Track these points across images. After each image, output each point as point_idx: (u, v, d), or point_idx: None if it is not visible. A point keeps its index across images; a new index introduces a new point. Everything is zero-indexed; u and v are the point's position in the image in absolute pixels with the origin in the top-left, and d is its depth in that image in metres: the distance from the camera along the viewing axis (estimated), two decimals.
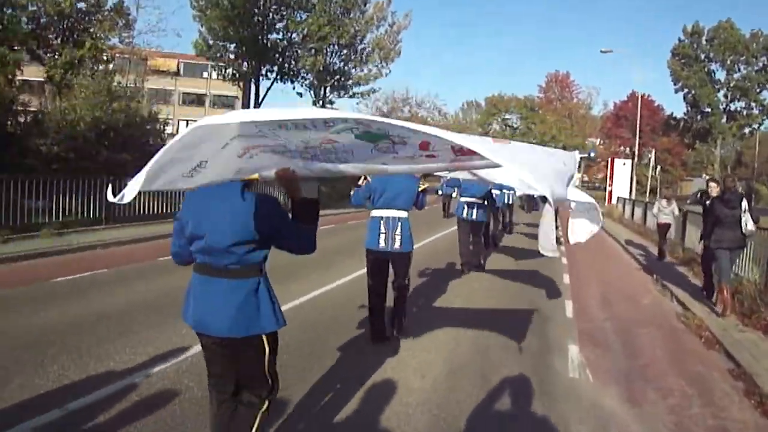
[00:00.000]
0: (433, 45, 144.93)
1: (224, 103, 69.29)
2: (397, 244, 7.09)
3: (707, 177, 68.13)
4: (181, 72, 71.40)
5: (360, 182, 7.22)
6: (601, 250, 19.04)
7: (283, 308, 3.76)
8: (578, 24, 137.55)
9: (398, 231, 7.07)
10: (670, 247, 17.52)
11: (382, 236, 7.08)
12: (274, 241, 3.52)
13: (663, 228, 16.92)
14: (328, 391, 5.74)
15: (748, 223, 9.79)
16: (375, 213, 7.21)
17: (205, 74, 65.37)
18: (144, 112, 23.35)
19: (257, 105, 34.10)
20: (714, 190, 10.65)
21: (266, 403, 3.69)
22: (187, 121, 73.47)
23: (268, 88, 34.47)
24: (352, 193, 7.43)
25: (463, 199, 12.89)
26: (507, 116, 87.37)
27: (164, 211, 19.51)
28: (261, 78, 34.26)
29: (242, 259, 3.44)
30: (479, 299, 10.74)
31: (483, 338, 7.92)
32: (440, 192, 19.34)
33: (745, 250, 10.99)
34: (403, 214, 7.17)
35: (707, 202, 10.64)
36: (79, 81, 21.07)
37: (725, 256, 9.90)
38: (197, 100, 73.86)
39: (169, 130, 71.24)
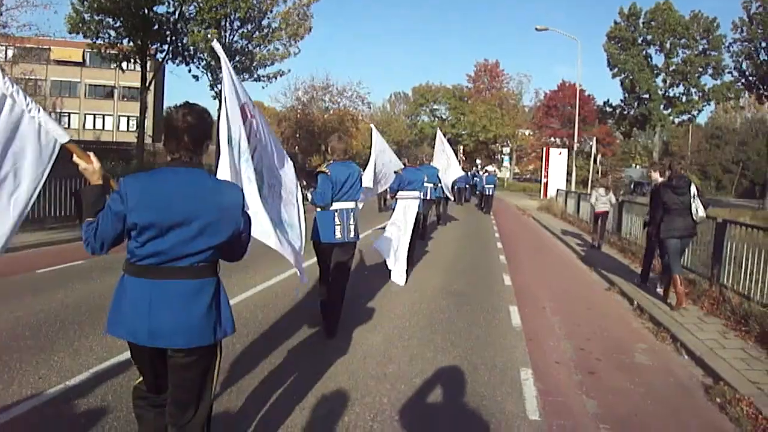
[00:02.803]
0: (354, 31, 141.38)
1: (135, 96, 64.17)
2: (352, 234, 7.26)
3: (642, 166, 67.17)
4: (87, 62, 66.30)
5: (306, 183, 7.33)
6: (543, 249, 17.45)
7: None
8: (508, 7, 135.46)
9: (351, 221, 7.24)
10: (607, 237, 17.56)
11: (338, 227, 7.18)
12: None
13: (602, 216, 17.01)
14: (282, 393, 5.38)
15: (699, 210, 9.37)
16: (332, 206, 7.19)
17: (114, 65, 60.43)
18: None
19: (146, 89, 29.60)
20: (655, 176, 10.41)
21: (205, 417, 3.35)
22: (94, 115, 69.39)
23: (156, 70, 29.92)
24: (309, 194, 7.20)
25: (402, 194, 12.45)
26: (435, 106, 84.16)
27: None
28: (148, 59, 29.63)
29: (207, 257, 3.13)
30: (414, 292, 10.25)
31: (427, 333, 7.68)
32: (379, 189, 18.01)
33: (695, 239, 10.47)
34: (355, 204, 7.37)
35: (654, 188, 10.28)
36: None
37: (675, 245, 9.41)
38: (106, 92, 68.45)
39: (74, 123, 68.24)
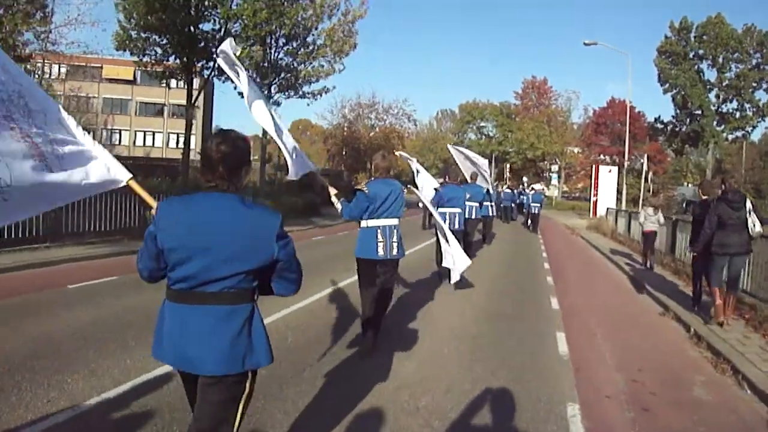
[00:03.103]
0: (400, 48, 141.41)
1: (185, 113, 64.90)
2: (395, 251, 7.18)
3: (694, 184, 65.42)
4: (138, 80, 67.50)
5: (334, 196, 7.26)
6: (592, 270, 16.74)
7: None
8: (556, 23, 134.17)
9: (395, 238, 7.16)
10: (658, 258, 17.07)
11: (380, 245, 7.10)
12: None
13: (650, 236, 16.70)
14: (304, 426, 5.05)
15: (756, 225, 9.00)
16: (371, 223, 7.14)
17: (162, 82, 61.32)
18: None
19: (192, 106, 29.61)
20: (704, 196, 10.35)
21: None
22: (145, 132, 70.50)
23: (201, 87, 29.89)
24: (339, 207, 7.21)
25: (441, 210, 12.54)
26: (482, 124, 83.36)
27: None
28: (194, 76, 29.64)
29: (238, 283, 3.04)
30: (454, 315, 9.82)
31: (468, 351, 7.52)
32: (420, 205, 17.73)
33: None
34: (398, 221, 7.30)
35: (710, 203, 9.63)
36: None
37: (724, 261, 9.15)
38: (156, 110, 69.51)
39: (125, 140, 69.33)
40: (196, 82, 30.79)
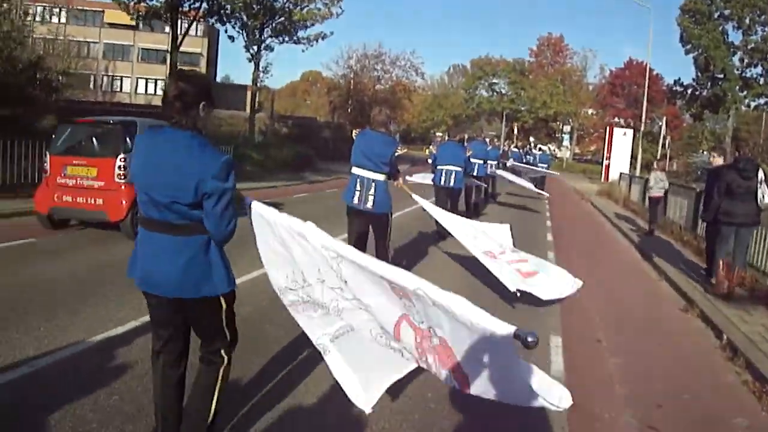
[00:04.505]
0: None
1: (187, 60, 63.28)
2: (369, 204, 7.23)
3: (712, 152, 63.02)
4: (140, 26, 65.36)
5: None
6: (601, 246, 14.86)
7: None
8: None
9: (372, 191, 7.20)
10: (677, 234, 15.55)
11: (357, 193, 7.26)
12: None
13: (656, 201, 16.38)
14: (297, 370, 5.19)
15: (765, 195, 8.75)
16: (353, 170, 7.38)
17: (168, 29, 59.11)
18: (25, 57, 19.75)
19: (176, 48, 27.53)
20: (716, 161, 10.15)
21: (226, 358, 3.57)
22: (146, 79, 68.49)
23: (187, 29, 27.78)
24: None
25: (440, 167, 12.86)
26: (494, 80, 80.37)
27: None
28: (180, 17, 27.52)
29: (188, 215, 3.25)
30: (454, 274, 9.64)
31: None
32: (430, 161, 17.65)
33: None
34: (377, 176, 7.27)
35: (711, 171, 9.95)
36: None
37: (731, 232, 9.00)
38: (159, 56, 67.47)
39: (126, 87, 67.68)
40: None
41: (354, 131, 7.63)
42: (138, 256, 3.37)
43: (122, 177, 9.91)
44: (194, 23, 28.75)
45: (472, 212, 16.32)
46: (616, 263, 12.71)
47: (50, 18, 49.09)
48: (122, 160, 9.90)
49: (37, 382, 4.64)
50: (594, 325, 7.55)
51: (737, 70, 51.94)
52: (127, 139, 9.98)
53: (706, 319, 8.04)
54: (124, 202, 9.84)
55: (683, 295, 9.44)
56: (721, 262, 8.84)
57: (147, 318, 3.78)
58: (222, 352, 3.53)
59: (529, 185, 20.19)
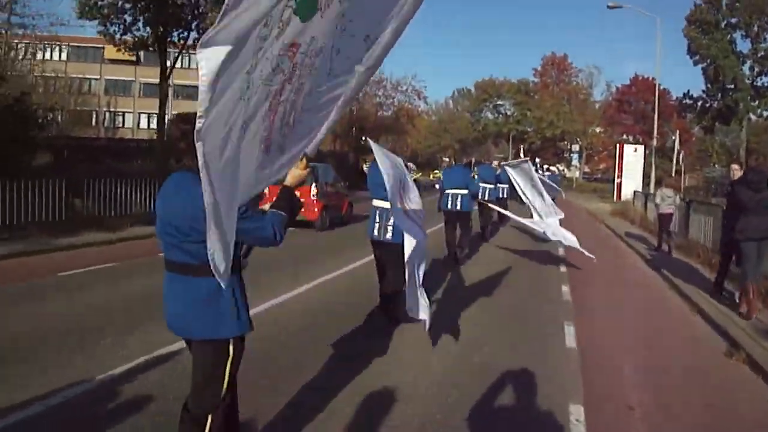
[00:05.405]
0: (413, 25, 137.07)
1: (187, 93, 63.23)
2: (388, 234, 7.41)
3: (721, 166, 61.60)
4: (141, 60, 65.02)
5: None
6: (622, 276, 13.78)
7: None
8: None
9: (390, 222, 7.33)
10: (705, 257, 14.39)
11: (376, 225, 7.49)
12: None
13: (666, 218, 16.28)
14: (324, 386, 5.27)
15: None
16: (374, 203, 7.63)
17: (168, 63, 58.66)
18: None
19: (165, 80, 26.70)
20: (736, 173, 9.80)
21: (210, 418, 3.31)
22: (149, 114, 68.03)
23: (175, 59, 27.05)
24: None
25: (447, 191, 13.02)
26: (499, 102, 79.58)
27: None
28: (169, 47, 26.68)
29: (198, 254, 3.15)
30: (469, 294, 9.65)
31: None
32: (438, 186, 17.90)
33: None
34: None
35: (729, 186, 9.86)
36: None
37: (752, 249, 8.55)
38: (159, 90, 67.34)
39: (128, 123, 67.29)
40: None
41: (364, 164, 7.28)
42: (164, 298, 3.40)
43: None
44: (185, 55, 27.83)
45: (487, 236, 17.34)
46: (642, 299, 11.12)
47: (50, 56, 48.84)
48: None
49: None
50: (623, 385, 6.17)
51: (748, 79, 50.76)
52: None
53: (756, 366, 6.66)
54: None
55: (723, 333, 8.08)
56: (751, 287, 8.53)
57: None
58: (207, 409, 3.29)
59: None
